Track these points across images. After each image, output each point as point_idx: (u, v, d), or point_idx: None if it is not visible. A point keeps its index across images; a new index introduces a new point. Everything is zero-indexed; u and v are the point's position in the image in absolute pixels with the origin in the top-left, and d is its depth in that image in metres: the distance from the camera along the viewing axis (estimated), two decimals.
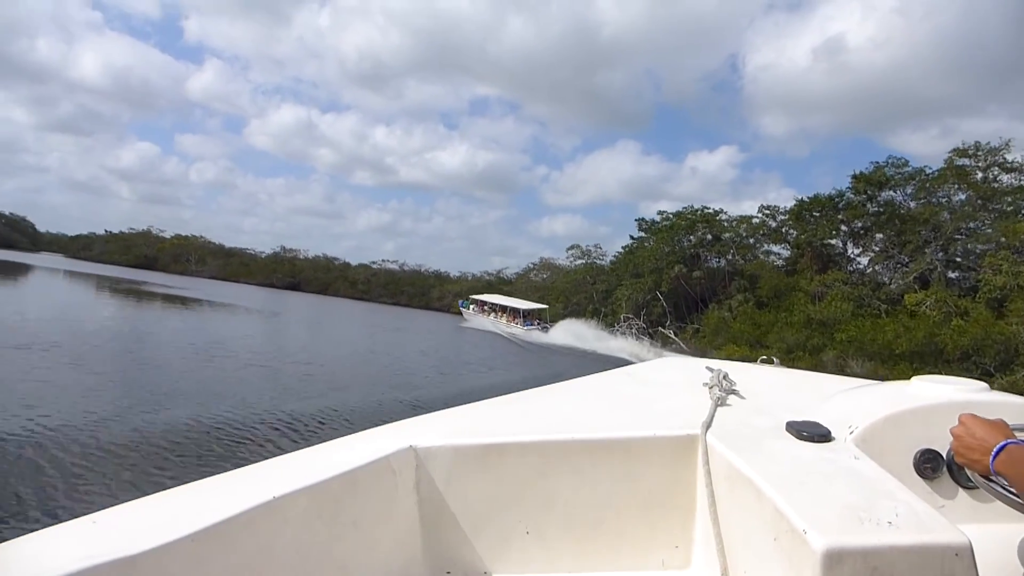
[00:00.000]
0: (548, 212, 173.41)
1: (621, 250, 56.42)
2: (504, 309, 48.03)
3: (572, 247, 64.06)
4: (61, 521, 0.96)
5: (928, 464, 1.34)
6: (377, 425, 1.52)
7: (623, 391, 1.91)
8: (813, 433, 1.30)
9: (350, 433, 1.45)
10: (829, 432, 1.31)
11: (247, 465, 1.22)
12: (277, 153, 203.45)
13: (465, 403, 1.70)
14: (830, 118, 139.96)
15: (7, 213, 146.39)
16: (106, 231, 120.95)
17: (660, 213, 51.73)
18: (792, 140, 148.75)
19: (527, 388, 1.91)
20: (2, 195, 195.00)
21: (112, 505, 1.02)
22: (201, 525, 0.94)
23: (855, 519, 0.94)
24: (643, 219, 53.83)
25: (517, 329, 42.50)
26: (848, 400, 1.53)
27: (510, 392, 1.85)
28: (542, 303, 52.45)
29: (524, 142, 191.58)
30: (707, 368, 1.97)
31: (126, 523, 0.96)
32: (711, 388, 1.69)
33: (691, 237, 48.58)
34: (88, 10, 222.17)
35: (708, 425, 1.40)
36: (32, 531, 0.93)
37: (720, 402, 1.59)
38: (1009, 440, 1.03)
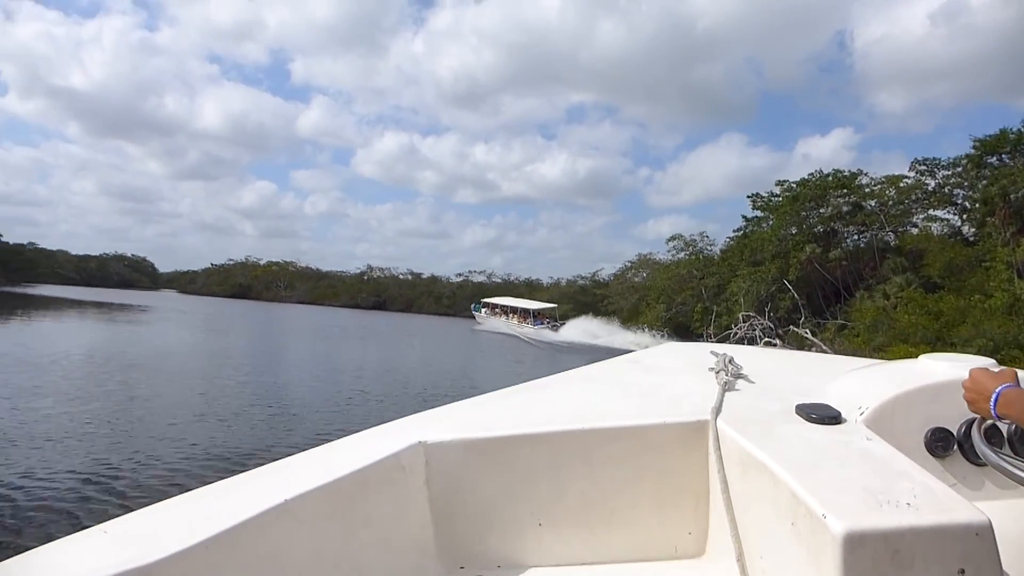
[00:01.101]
0: (653, 214, 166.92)
1: (732, 235, 46.88)
2: (515, 310, 49.36)
3: (673, 238, 55.01)
4: (72, 532, 0.96)
5: (939, 443, 1.33)
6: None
7: (629, 378, 1.87)
8: (823, 415, 1.28)
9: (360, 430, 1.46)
10: (839, 414, 1.29)
11: (257, 467, 1.22)
12: (383, 180, 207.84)
13: (473, 396, 1.70)
14: (954, 87, 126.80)
15: (129, 255, 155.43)
16: (211, 264, 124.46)
17: (779, 183, 41.72)
18: (913, 115, 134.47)
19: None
20: (144, 240, 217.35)
21: (123, 514, 1.01)
22: (214, 531, 0.93)
23: (874, 502, 0.93)
24: (757, 194, 43.99)
25: (528, 329, 43.33)
26: (856, 381, 1.52)
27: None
28: (641, 304, 49.27)
29: (624, 145, 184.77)
30: (712, 353, 1.94)
31: (138, 532, 0.96)
32: (717, 373, 1.67)
33: (822, 209, 38.62)
34: (206, 64, 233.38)
35: (718, 410, 1.38)
36: (43, 544, 0.92)
37: (728, 387, 1.57)
38: (1006, 384, 1.06)
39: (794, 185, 40.00)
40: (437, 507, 1.32)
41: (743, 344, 32.58)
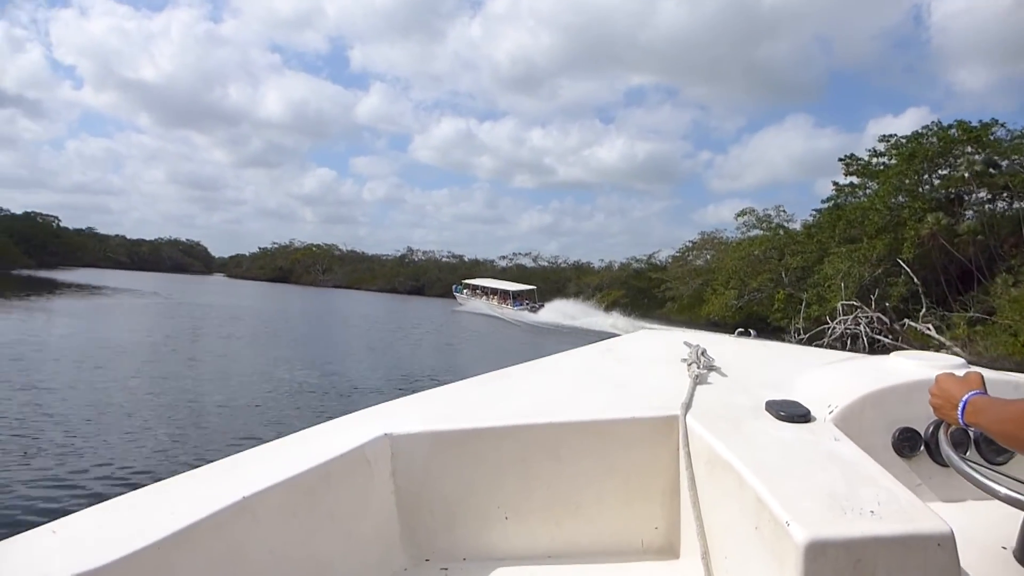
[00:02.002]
0: (714, 199, 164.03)
1: (819, 208, 38.43)
2: (495, 292, 49.33)
3: (743, 212, 46.45)
4: (19, 531, 0.93)
5: (906, 443, 1.35)
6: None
7: (601, 369, 1.88)
8: (792, 413, 1.29)
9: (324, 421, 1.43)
10: (808, 412, 1.30)
11: (216, 461, 1.19)
12: (440, 165, 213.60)
13: (442, 383, 1.69)
14: None
15: (184, 240, 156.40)
16: (260, 248, 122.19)
17: (884, 139, 33.12)
18: (995, 92, 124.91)
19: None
20: (210, 227, 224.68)
21: (74, 511, 0.98)
22: (168, 531, 0.91)
23: (838, 508, 0.93)
24: (852, 156, 35.43)
25: (507, 310, 43.66)
26: (827, 377, 1.53)
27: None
28: (704, 291, 43.34)
29: (684, 128, 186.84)
30: (685, 343, 1.92)
31: (89, 532, 0.93)
32: (689, 365, 1.66)
33: (942, 172, 30.11)
34: (268, 54, 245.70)
35: (688, 406, 1.38)
36: None
37: (699, 380, 1.57)
38: (974, 392, 1.06)
39: (904, 142, 31.47)
40: (403, 500, 1.32)
41: (843, 342, 27.10)
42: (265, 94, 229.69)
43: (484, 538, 1.35)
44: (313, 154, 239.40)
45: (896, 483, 1.02)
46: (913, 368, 1.44)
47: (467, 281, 56.87)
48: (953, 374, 1.18)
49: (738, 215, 46.54)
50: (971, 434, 1.27)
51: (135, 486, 1.07)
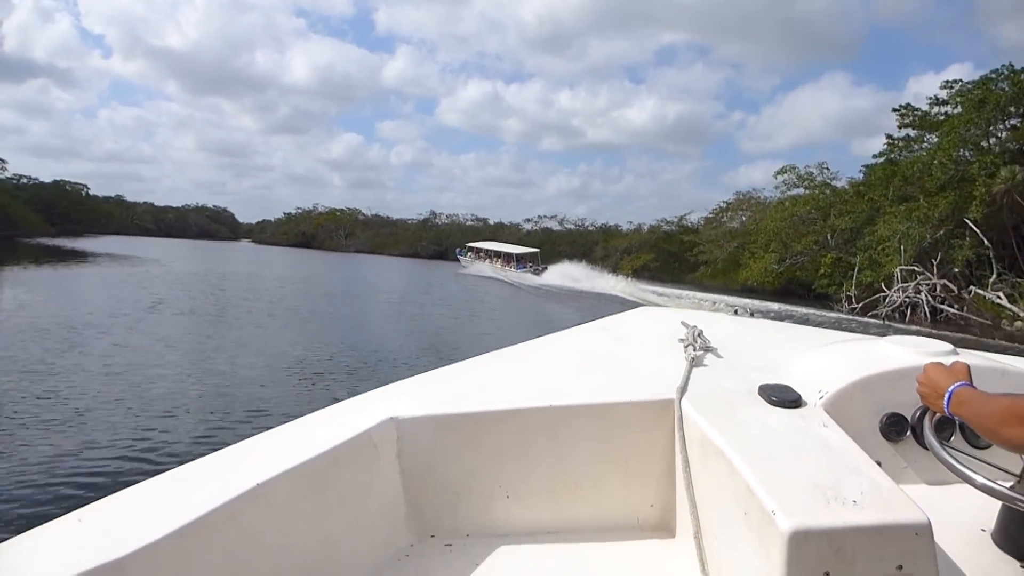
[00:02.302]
0: (745, 160, 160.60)
1: (869, 164, 35.25)
2: (498, 255, 49.69)
3: (783, 170, 43.32)
4: (46, 520, 0.96)
5: (893, 427, 1.40)
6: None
7: (599, 349, 1.92)
8: (784, 398, 1.32)
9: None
10: (800, 397, 1.34)
11: (229, 446, 1.23)
12: (468, 129, 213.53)
13: (446, 363, 1.73)
14: None
15: (211, 206, 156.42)
16: (285, 214, 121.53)
17: (947, 84, 29.76)
18: None
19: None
20: (240, 193, 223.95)
21: (100, 498, 1.02)
22: (186, 520, 0.94)
23: (821, 499, 0.98)
24: (907, 106, 32.15)
25: (511, 272, 43.88)
26: (819, 361, 1.56)
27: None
28: (741, 254, 41.71)
29: (716, 88, 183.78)
30: (682, 323, 1.94)
31: (111, 520, 0.97)
32: (686, 347, 1.69)
33: (1014, 121, 26.89)
34: (293, 18, 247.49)
35: (683, 389, 1.41)
36: (16, 534, 0.92)
37: (695, 362, 1.59)
38: (959, 383, 1.11)
39: (970, 87, 28.17)
40: (408, 481, 1.35)
41: (901, 312, 26.22)
42: (291, 59, 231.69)
43: (487, 516, 1.39)
44: (340, 119, 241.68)
45: (879, 472, 1.06)
46: (902, 354, 1.48)
47: (470, 244, 56.74)
48: (941, 364, 1.22)
49: (777, 173, 43.50)
50: (956, 420, 1.29)
51: (153, 468, 0.89)
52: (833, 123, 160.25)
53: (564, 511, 1.41)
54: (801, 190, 41.25)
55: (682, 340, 1.77)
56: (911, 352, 1.47)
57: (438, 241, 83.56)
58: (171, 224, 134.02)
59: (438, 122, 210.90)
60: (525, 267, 46.27)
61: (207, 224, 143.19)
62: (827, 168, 40.85)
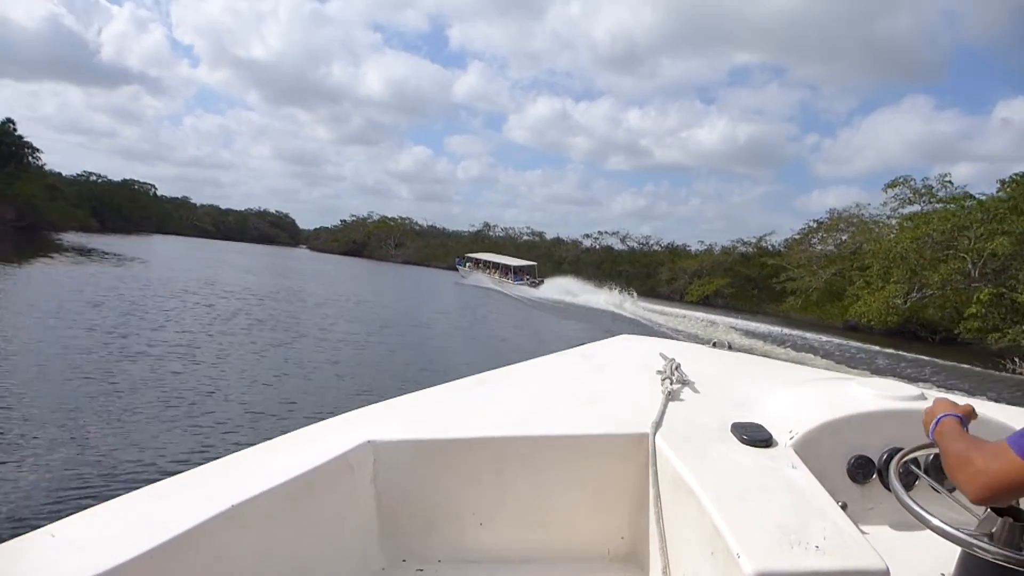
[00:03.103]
0: (819, 184, 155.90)
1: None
2: (496, 266, 50.05)
3: (895, 183, 35.47)
4: (20, 533, 0.94)
5: (860, 470, 1.42)
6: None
7: (578, 377, 1.92)
8: (755, 438, 1.34)
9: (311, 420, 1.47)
10: (771, 437, 1.35)
11: (206, 464, 1.21)
12: (534, 145, 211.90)
13: (424, 386, 1.71)
14: None
15: (273, 211, 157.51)
16: (341, 221, 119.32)
17: None
18: None
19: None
20: (312, 201, 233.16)
21: (73, 513, 1.00)
22: (162, 538, 0.94)
23: (786, 542, 1.01)
24: None
25: (508, 284, 44.54)
26: (791, 400, 1.58)
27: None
28: (838, 280, 37.12)
29: (790, 109, 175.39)
30: (661, 355, 1.96)
31: (85, 537, 0.95)
32: (663, 380, 1.70)
33: None
34: (370, 33, 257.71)
35: (658, 425, 1.43)
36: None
37: (671, 397, 1.61)
38: (947, 413, 1.15)
39: None
40: (383, 504, 1.35)
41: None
42: (366, 73, 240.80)
43: (459, 541, 1.39)
44: (410, 132, 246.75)
45: (843, 517, 1.09)
46: (871, 398, 1.49)
47: (469, 255, 57.08)
48: (949, 399, 1.24)
49: (888, 186, 35.66)
50: (921, 463, 1.31)
51: (128, 484, 0.89)
52: (913, 148, 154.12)
53: (536, 539, 1.41)
54: (918, 207, 33.42)
55: (660, 372, 1.77)
56: (880, 396, 1.49)
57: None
58: (231, 227, 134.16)
59: (505, 138, 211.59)
60: (522, 279, 46.44)
61: (267, 228, 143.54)
62: (949, 182, 32.81)
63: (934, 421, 1.15)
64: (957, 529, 1.01)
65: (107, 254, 37.04)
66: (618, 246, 72.75)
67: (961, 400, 1.30)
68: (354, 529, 1.31)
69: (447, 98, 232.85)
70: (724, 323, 29.37)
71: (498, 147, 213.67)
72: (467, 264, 54.03)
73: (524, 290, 42.03)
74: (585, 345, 2.37)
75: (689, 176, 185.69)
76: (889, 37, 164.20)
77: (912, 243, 28.13)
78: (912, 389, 1.53)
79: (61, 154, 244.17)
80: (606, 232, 75.35)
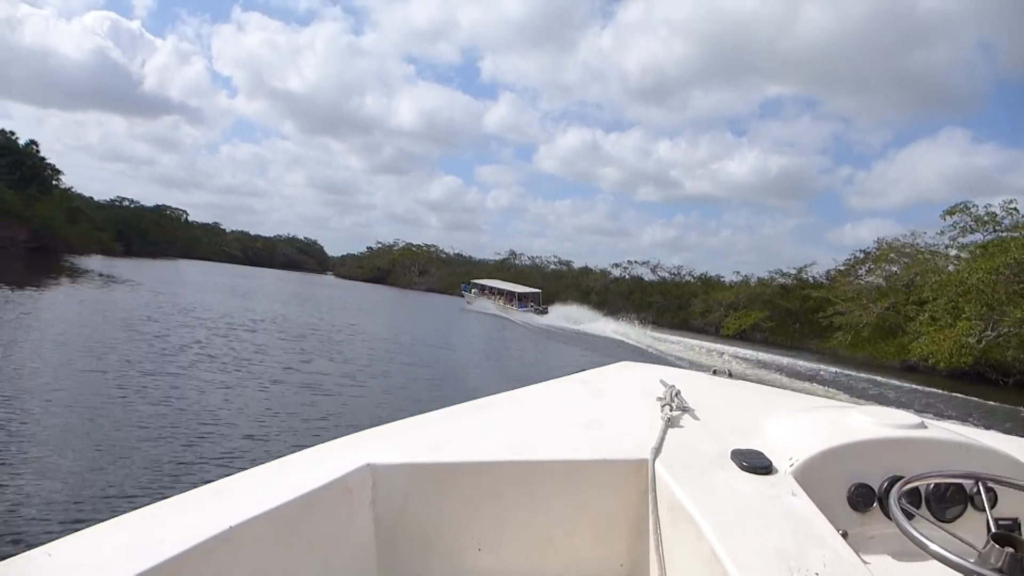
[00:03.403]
0: (852, 217, 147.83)
1: None
2: (501, 293, 50.39)
3: (954, 209, 32.22)
4: (17, 552, 0.94)
5: (861, 498, 1.40)
6: None
7: (578, 403, 1.93)
8: (755, 465, 1.35)
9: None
10: (771, 464, 1.36)
11: (202, 486, 1.20)
12: (564, 175, 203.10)
13: (425, 410, 1.73)
14: None
15: (301, 238, 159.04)
16: (367, 248, 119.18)
17: None
18: None
19: None
20: (343, 229, 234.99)
21: (68, 533, 1.00)
22: (157, 560, 0.93)
23: (786, 569, 1.00)
24: None
25: (512, 312, 44.66)
26: (791, 427, 1.59)
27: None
28: (893, 317, 34.37)
29: (823, 142, 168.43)
30: (661, 381, 2.00)
31: (82, 556, 0.94)
32: (663, 406, 1.72)
33: None
34: (404, 65, 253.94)
35: (658, 451, 1.44)
36: None
37: (670, 423, 1.62)
38: None
39: None
40: (381, 529, 1.34)
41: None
42: (399, 104, 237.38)
43: (457, 568, 1.38)
44: (441, 162, 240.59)
45: (843, 544, 1.08)
46: (871, 426, 1.49)
47: (475, 281, 57.82)
48: None
49: (947, 213, 32.51)
50: (922, 493, 1.30)
51: (123, 505, 0.95)
52: (950, 181, 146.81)
53: (534, 567, 1.41)
54: (979, 235, 30.26)
55: (660, 399, 1.79)
56: (880, 424, 1.49)
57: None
58: (259, 253, 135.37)
59: (535, 168, 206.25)
60: (527, 306, 46.70)
61: (295, 255, 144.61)
62: (1015, 208, 29.63)
63: None
64: (961, 558, 0.98)
65: (109, 277, 35.77)
66: (648, 276, 70.01)
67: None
68: (352, 553, 1.29)
69: (478, 129, 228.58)
70: (771, 360, 27.04)
71: (528, 177, 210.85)
72: (473, 290, 54.45)
73: (529, 317, 42.37)
74: (584, 372, 2.37)
75: (719, 207, 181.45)
76: (924, 69, 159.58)
77: (987, 274, 25.03)
78: (913, 418, 1.53)
79: (103, 182, 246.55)
80: (636, 262, 72.43)
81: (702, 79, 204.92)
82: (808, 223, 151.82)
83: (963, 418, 15.61)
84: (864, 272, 41.21)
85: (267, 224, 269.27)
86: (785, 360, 26.61)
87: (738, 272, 63.10)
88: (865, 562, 1.05)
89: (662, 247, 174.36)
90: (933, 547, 1.00)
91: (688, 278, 66.48)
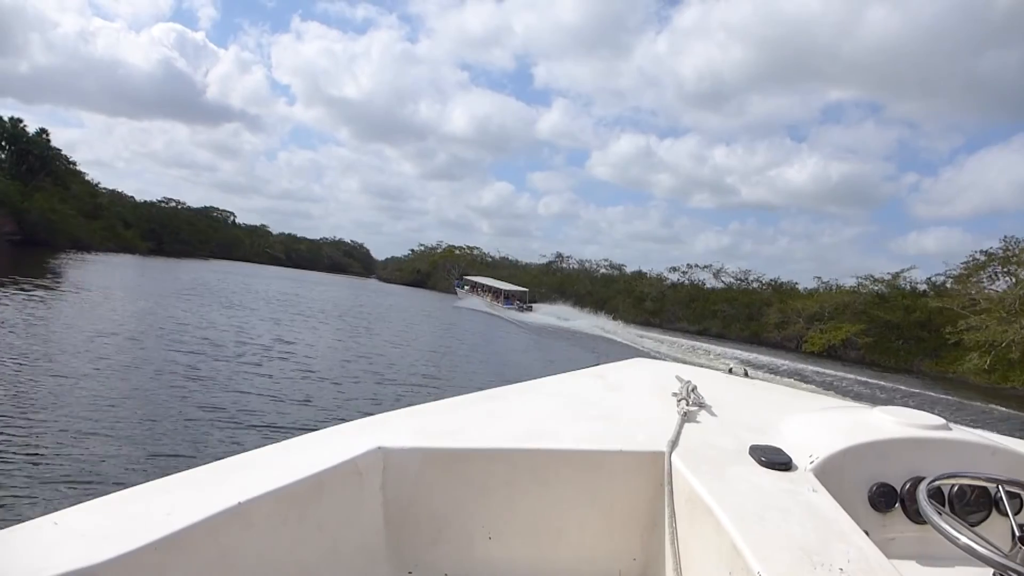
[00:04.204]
0: (916, 226, 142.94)
1: None
2: (489, 289, 52.14)
3: None
4: (21, 520, 0.93)
5: (882, 498, 1.37)
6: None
7: (592, 396, 1.87)
8: (774, 461, 1.31)
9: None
10: (790, 460, 1.32)
11: (212, 463, 1.19)
12: (617, 182, 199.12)
13: (436, 398, 1.71)
14: None
15: (348, 241, 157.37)
16: (410, 251, 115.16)
17: None
18: None
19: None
20: (395, 234, 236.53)
21: (77, 503, 1.00)
22: (164, 532, 0.93)
23: (808, 563, 0.97)
24: None
25: (498, 308, 46.02)
26: (811, 425, 1.55)
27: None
28: None
29: (887, 147, 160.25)
30: (676, 377, 1.98)
31: (88, 526, 0.94)
32: (679, 401, 1.69)
33: None
34: (458, 72, 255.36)
35: (674, 444, 1.40)
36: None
37: (687, 417, 1.59)
38: None
39: None
40: (390, 513, 1.32)
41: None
42: (452, 110, 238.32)
43: (467, 555, 1.36)
44: (493, 168, 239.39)
45: (867, 540, 1.05)
46: (893, 425, 1.45)
47: (467, 277, 59.45)
48: None
49: None
50: (945, 494, 1.27)
51: (132, 478, 1.01)
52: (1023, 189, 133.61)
53: (545, 557, 1.38)
54: None
55: (675, 394, 1.75)
56: (902, 423, 1.46)
57: (561, 288, 68.95)
58: (303, 255, 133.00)
59: (588, 174, 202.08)
60: (512, 304, 47.72)
61: (339, 258, 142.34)
62: None
63: None
64: (992, 552, 0.95)
65: (71, 279, 30.87)
66: (711, 282, 62.07)
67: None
68: (360, 536, 1.27)
69: (530, 134, 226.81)
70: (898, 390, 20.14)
71: (580, 183, 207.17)
72: (465, 287, 55.77)
73: (513, 314, 43.22)
74: (598, 366, 2.33)
75: (776, 215, 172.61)
76: (996, 71, 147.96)
77: None
78: (936, 419, 1.48)
79: (166, 187, 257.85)
80: (696, 266, 64.31)
81: (760, 84, 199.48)
82: (869, 232, 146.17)
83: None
84: (987, 277, 32.97)
85: (323, 229, 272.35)
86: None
87: (819, 278, 54.39)
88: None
89: (716, 254, 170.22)
90: (964, 540, 0.97)
91: (755, 284, 58.30)
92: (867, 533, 1.10)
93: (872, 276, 45.68)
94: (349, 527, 1.24)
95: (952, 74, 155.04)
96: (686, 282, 62.09)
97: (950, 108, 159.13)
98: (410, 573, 1.32)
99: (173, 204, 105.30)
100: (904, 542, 1.36)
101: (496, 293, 50.70)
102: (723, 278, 61.52)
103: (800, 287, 54.36)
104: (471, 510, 1.35)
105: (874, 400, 17.55)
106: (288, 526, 1.11)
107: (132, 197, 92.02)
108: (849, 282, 47.64)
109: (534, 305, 48.98)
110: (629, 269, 74.06)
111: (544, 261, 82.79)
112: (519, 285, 74.35)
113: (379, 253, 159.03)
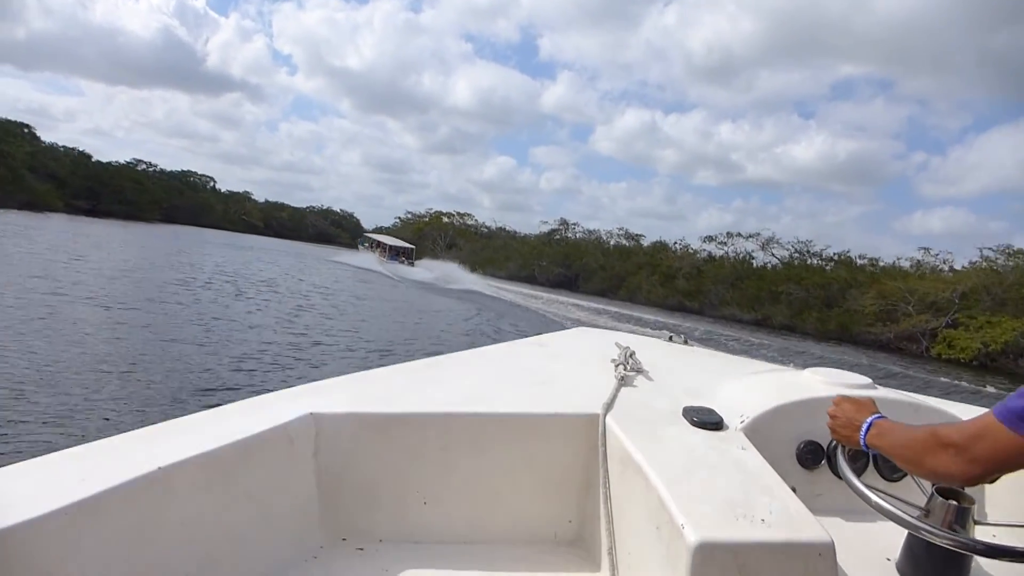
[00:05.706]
0: (923, 205, 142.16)
1: None
2: (381, 246, 52.65)
3: None
4: None
5: (809, 455, 1.43)
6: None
7: (531, 364, 1.91)
8: (706, 420, 1.35)
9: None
10: (722, 420, 1.37)
11: (134, 430, 1.18)
12: (620, 157, 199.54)
13: (369, 367, 1.69)
14: None
15: (337, 210, 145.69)
16: (397, 219, 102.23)
17: None
18: None
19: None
20: (396, 208, 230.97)
21: None
22: (77, 497, 0.91)
23: (731, 515, 1.00)
24: None
25: (385, 262, 46.09)
26: (743, 387, 1.60)
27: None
28: None
29: (897, 125, 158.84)
30: (616, 344, 1.98)
31: None
32: (617, 366, 1.70)
33: None
34: (462, 43, 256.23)
35: (609, 407, 1.43)
36: None
37: (624, 382, 1.61)
38: (876, 415, 1.15)
39: None
40: (323, 480, 1.32)
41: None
42: (455, 82, 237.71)
43: (402, 521, 1.37)
44: (496, 142, 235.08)
45: (790, 494, 1.08)
46: (821, 385, 1.50)
47: (369, 234, 61.04)
48: (851, 397, 1.26)
49: None
50: (869, 453, 1.30)
51: (46, 447, 1.00)
52: None
53: (482, 521, 1.39)
54: None
55: (614, 360, 1.76)
56: (830, 383, 1.50)
57: (566, 261, 55.52)
58: (284, 224, 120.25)
59: (591, 150, 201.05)
60: (396, 258, 47.87)
61: (326, 227, 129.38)
62: None
63: (864, 426, 1.12)
64: (904, 512, 1.02)
65: None
66: (760, 256, 48.31)
67: (857, 387, 1.42)
68: (292, 504, 1.26)
69: (534, 108, 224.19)
70: None
71: (583, 158, 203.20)
72: (366, 243, 56.85)
73: (396, 267, 43.66)
74: (540, 335, 2.35)
75: (780, 193, 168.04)
76: (1011, 49, 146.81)
77: None
78: (862, 379, 1.53)
79: (169, 157, 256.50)
80: (738, 234, 50.35)
81: (770, 58, 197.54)
82: (874, 211, 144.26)
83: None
84: None
85: (323, 201, 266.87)
86: None
87: (929, 250, 40.27)
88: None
89: (718, 232, 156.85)
90: (875, 500, 1.03)
91: (825, 259, 44.43)
92: (794, 489, 1.11)
93: (1010, 246, 32.28)
94: (280, 494, 1.22)
95: (965, 49, 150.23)
96: (732, 256, 48.31)
97: (962, 85, 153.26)
98: (344, 539, 1.31)
99: (144, 167, 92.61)
100: (830, 497, 1.39)
101: (383, 248, 50.88)
102: (771, 249, 47.81)
103: (882, 262, 40.94)
104: (406, 476, 1.34)
105: None
106: (213, 492, 1.08)
107: (91, 156, 79.29)
108: (968, 260, 34.28)
109: (417, 262, 48.92)
110: (647, 236, 60.53)
111: (547, 229, 69.13)
112: (516, 257, 61.83)
113: (376, 225, 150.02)
